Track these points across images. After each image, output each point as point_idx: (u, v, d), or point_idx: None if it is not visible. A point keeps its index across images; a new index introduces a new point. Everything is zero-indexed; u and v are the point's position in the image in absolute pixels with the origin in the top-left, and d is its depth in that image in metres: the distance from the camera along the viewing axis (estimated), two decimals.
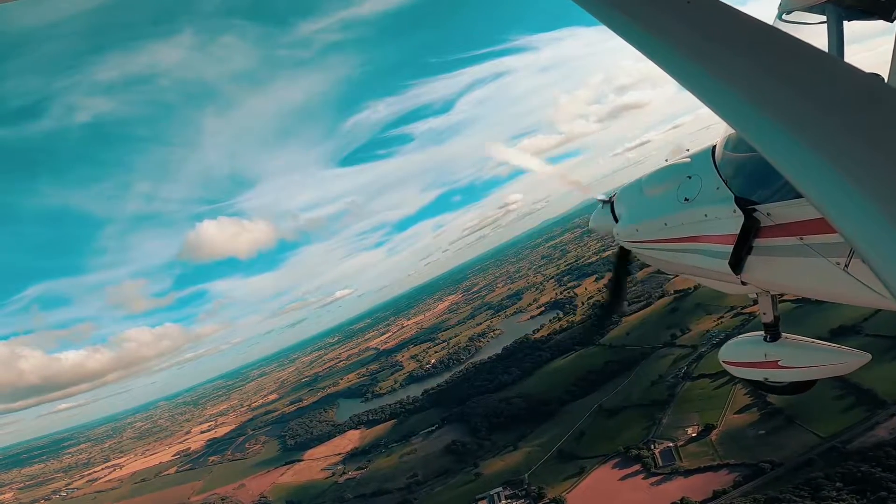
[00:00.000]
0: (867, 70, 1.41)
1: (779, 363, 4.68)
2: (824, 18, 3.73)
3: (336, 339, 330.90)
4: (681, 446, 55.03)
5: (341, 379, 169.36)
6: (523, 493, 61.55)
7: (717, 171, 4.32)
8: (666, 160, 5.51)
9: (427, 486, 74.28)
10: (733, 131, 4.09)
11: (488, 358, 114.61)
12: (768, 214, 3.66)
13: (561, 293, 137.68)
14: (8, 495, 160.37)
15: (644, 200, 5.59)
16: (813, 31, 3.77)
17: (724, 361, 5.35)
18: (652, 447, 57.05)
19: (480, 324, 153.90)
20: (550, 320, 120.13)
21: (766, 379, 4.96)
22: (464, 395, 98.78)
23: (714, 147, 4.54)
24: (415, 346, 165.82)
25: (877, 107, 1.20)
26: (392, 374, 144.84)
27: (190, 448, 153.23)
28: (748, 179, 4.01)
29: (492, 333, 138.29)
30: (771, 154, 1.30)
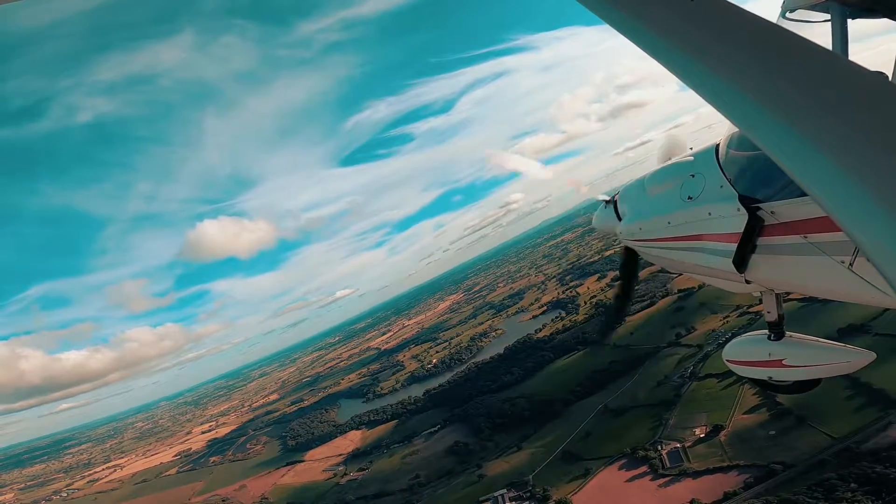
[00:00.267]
0: (871, 69, 1.38)
1: (783, 362, 4.63)
2: (828, 17, 3.71)
3: (337, 338, 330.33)
4: (689, 447, 54.09)
5: (342, 379, 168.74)
6: (528, 494, 60.64)
7: (721, 170, 4.29)
8: (671, 158, 5.48)
9: (430, 488, 73.48)
10: (737, 130, 4.08)
11: (490, 358, 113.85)
12: (772, 213, 3.64)
13: (563, 293, 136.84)
14: (9, 496, 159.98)
15: (647, 199, 5.56)
16: (817, 30, 3.75)
17: (728, 360, 5.30)
18: (659, 448, 56.15)
19: (482, 323, 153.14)
20: (553, 320, 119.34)
21: (770, 378, 4.91)
22: (466, 396, 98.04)
23: (717, 145, 4.53)
24: (416, 345, 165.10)
25: (881, 105, 1.21)
26: (393, 374, 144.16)
27: (191, 448, 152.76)
28: (752, 178, 4.00)
29: (493, 333, 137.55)
30: (775, 152, 1.31)
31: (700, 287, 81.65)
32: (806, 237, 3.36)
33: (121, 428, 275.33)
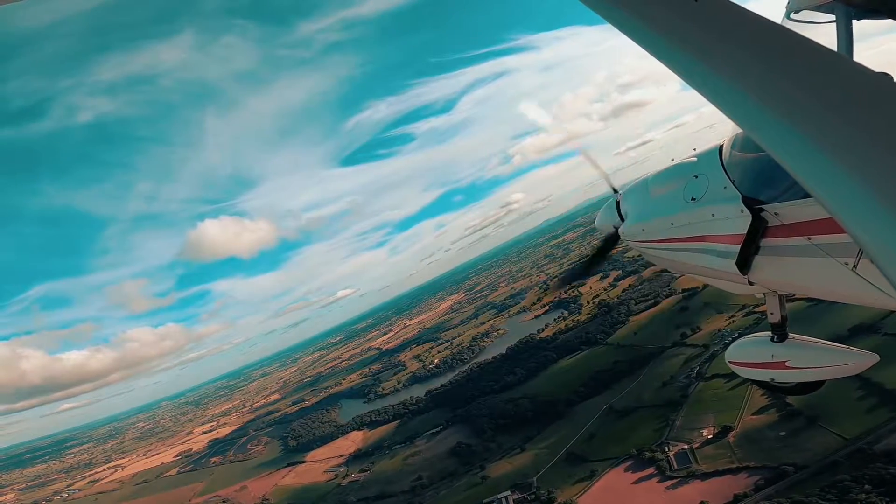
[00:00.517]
0: (875, 69, 1.37)
1: (786, 364, 4.64)
2: (833, 17, 3.70)
3: (338, 338, 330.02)
4: (696, 448, 53.26)
5: (343, 379, 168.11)
6: (532, 496, 59.84)
7: (725, 171, 4.28)
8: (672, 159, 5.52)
9: (432, 489, 72.74)
10: (741, 131, 4.06)
11: (493, 358, 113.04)
12: (776, 214, 3.64)
13: (565, 292, 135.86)
14: (9, 496, 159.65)
15: (650, 200, 5.55)
16: (821, 31, 3.74)
17: (730, 362, 5.31)
18: (666, 449, 55.32)
19: (484, 323, 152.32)
20: (555, 320, 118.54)
21: (772, 379, 4.91)
22: (468, 396, 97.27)
23: (721, 146, 4.53)
24: (417, 345, 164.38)
25: (886, 106, 1.21)
26: (395, 374, 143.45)
27: (192, 449, 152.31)
28: (756, 179, 3.98)
29: (495, 333, 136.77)
30: (778, 153, 1.31)
31: (704, 287, 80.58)
32: (809, 239, 3.36)
33: (122, 428, 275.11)
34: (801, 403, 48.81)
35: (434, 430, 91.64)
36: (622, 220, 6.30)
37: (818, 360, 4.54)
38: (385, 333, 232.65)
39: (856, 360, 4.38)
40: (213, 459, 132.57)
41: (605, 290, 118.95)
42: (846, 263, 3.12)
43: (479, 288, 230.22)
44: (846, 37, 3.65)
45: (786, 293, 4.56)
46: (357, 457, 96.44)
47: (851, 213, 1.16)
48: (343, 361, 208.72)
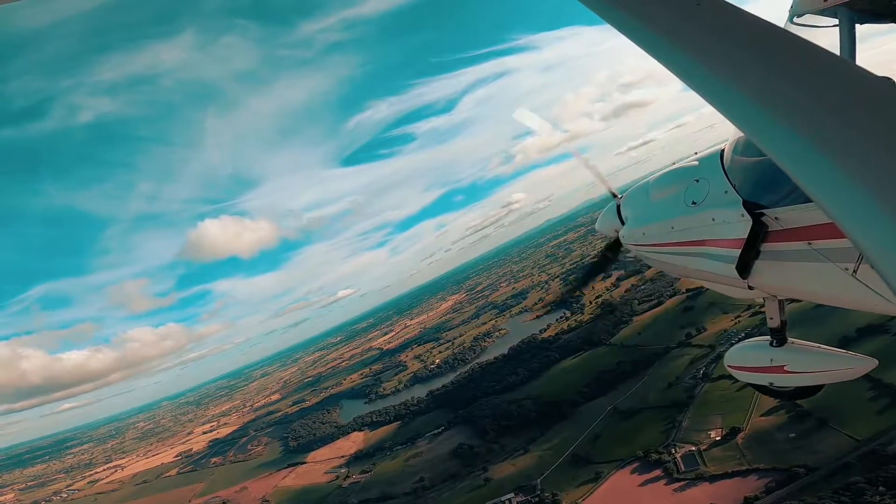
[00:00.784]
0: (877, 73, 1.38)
1: (785, 368, 4.67)
2: (836, 22, 3.70)
3: (339, 338, 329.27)
4: (704, 450, 52.40)
5: (344, 379, 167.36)
6: (536, 499, 58.97)
7: (726, 175, 4.29)
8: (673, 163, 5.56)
9: (434, 491, 71.90)
10: (742, 135, 4.09)
11: (494, 358, 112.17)
12: (777, 219, 3.65)
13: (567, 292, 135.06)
14: (9, 496, 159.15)
15: (651, 203, 5.56)
16: (824, 35, 3.74)
17: (729, 366, 5.34)
18: (673, 451, 54.46)
19: (485, 323, 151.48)
20: (557, 320, 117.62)
21: (771, 384, 4.92)
22: (470, 397, 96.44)
23: (722, 150, 4.54)
24: (418, 345, 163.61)
25: (887, 111, 1.21)
26: (396, 374, 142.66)
27: (192, 449, 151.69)
28: (757, 183, 4.00)
29: (497, 333, 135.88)
30: (780, 158, 1.31)
31: None
32: (810, 243, 3.35)
33: (122, 428, 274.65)
34: (811, 405, 47.87)
35: (436, 431, 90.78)
36: (623, 223, 6.29)
37: (817, 364, 4.58)
38: (386, 333, 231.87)
39: (854, 364, 4.42)
40: (213, 460, 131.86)
41: (607, 289, 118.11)
42: (846, 268, 3.13)
43: (480, 288, 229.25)
44: (849, 41, 3.65)
45: (786, 298, 4.58)
46: (358, 458, 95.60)
47: (851, 217, 1.16)
48: (344, 361, 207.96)
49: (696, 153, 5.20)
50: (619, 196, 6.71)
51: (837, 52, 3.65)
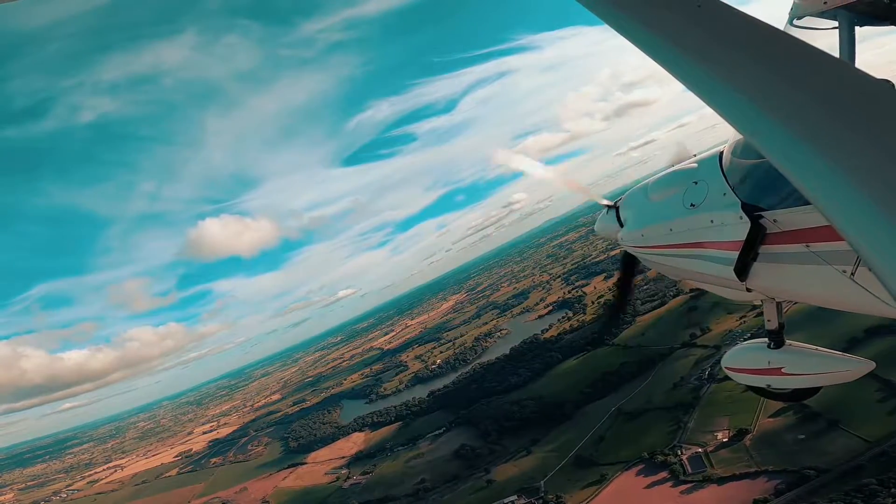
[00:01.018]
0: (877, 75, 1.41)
1: (783, 370, 4.69)
2: (836, 24, 3.73)
3: (339, 338, 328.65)
4: (711, 452, 51.62)
5: (345, 379, 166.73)
6: (540, 501, 58.23)
7: (725, 177, 4.32)
8: (671, 165, 5.60)
9: (436, 493, 71.17)
10: (741, 137, 4.02)
11: (496, 358, 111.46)
12: (775, 221, 3.68)
13: (569, 292, 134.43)
14: (9, 496, 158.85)
15: (649, 205, 5.58)
16: (824, 37, 3.76)
17: (726, 368, 5.36)
18: (679, 453, 53.68)
19: (486, 323, 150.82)
20: (559, 320, 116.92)
21: (768, 386, 4.93)
22: (472, 397, 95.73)
23: (721, 153, 4.57)
24: (419, 346, 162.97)
25: (887, 113, 1.22)
26: (397, 374, 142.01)
27: (192, 449, 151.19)
28: (755, 186, 4.04)
29: (498, 333, 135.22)
30: (779, 160, 1.31)
31: None
32: (808, 246, 3.38)
33: (122, 427, 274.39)
34: (820, 406, 47.18)
35: (437, 432, 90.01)
36: (621, 225, 6.32)
37: (815, 366, 4.58)
38: (387, 333, 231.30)
39: (852, 367, 4.42)
40: (213, 460, 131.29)
41: (609, 289, 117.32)
42: (844, 271, 3.13)
43: (481, 288, 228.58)
44: (848, 43, 3.66)
45: (783, 300, 4.62)
46: (359, 458, 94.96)
47: (850, 220, 1.17)
48: (344, 361, 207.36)
49: (695, 155, 5.25)
50: (614, 203, 6.70)
51: (837, 55, 3.68)
